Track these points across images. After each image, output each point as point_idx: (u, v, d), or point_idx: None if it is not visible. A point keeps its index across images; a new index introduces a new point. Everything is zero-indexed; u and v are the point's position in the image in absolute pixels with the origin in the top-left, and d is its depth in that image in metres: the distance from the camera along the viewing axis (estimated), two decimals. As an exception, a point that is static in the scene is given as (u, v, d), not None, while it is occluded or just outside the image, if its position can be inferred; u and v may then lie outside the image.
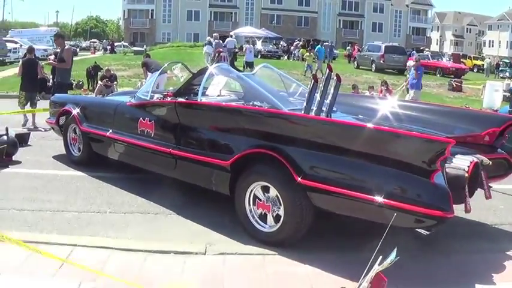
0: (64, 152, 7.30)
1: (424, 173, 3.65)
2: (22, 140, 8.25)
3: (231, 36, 28.12)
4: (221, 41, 25.04)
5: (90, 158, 6.83)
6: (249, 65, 23.88)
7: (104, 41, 66.78)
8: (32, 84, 10.83)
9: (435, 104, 6.64)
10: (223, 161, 4.67)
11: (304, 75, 23.51)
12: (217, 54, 20.11)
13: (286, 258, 4.19)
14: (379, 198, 3.72)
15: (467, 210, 4.12)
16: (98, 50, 51.32)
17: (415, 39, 68.28)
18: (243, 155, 4.51)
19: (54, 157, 7.50)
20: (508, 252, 4.56)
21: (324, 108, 5.15)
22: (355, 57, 35.25)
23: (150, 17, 65.57)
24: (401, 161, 3.75)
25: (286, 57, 37.99)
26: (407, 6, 70.66)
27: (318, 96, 5.05)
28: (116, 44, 52.55)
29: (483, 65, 40.37)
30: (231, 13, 65.53)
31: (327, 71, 5.17)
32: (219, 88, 5.72)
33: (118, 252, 4.17)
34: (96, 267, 3.79)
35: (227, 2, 65.79)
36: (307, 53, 27.13)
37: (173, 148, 5.25)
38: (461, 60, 41.75)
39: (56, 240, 4.37)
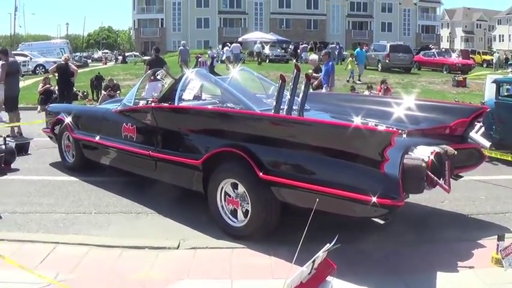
0: (60, 159, 7.62)
1: (374, 164, 3.80)
2: (22, 149, 8.64)
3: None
4: (187, 48, 25.78)
5: (83, 164, 7.13)
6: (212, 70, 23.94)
7: (115, 51, 67.56)
8: None
9: (408, 98, 6.76)
10: (195, 161, 4.92)
11: (348, 81, 22.69)
12: (195, 60, 20.84)
13: (254, 251, 4.39)
14: (333, 190, 3.90)
15: (447, 191, 4.42)
16: (110, 61, 52.04)
17: (424, 37, 67.79)
18: (211, 155, 4.76)
19: (50, 164, 7.83)
20: (479, 241, 4.64)
21: (295, 107, 5.35)
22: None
23: (160, 25, 66.20)
24: (352, 153, 3.92)
25: (294, 60, 38.15)
26: (415, 4, 70.26)
27: (288, 95, 5.25)
28: (127, 54, 53.22)
29: (492, 59, 40.01)
30: (240, 19, 65.95)
31: (295, 71, 5.36)
32: (195, 92, 5.96)
33: (96, 248, 4.44)
34: (74, 261, 4.08)
35: (236, 8, 66.19)
36: (350, 58, 25.16)
37: (152, 151, 5.52)
38: (471, 56, 41.42)
39: (40, 238, 4.69)
